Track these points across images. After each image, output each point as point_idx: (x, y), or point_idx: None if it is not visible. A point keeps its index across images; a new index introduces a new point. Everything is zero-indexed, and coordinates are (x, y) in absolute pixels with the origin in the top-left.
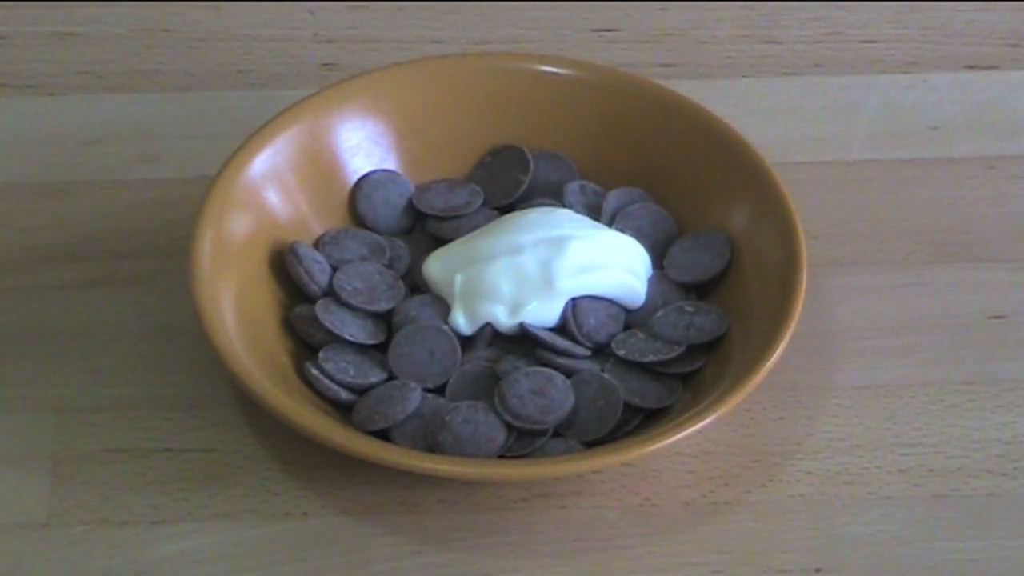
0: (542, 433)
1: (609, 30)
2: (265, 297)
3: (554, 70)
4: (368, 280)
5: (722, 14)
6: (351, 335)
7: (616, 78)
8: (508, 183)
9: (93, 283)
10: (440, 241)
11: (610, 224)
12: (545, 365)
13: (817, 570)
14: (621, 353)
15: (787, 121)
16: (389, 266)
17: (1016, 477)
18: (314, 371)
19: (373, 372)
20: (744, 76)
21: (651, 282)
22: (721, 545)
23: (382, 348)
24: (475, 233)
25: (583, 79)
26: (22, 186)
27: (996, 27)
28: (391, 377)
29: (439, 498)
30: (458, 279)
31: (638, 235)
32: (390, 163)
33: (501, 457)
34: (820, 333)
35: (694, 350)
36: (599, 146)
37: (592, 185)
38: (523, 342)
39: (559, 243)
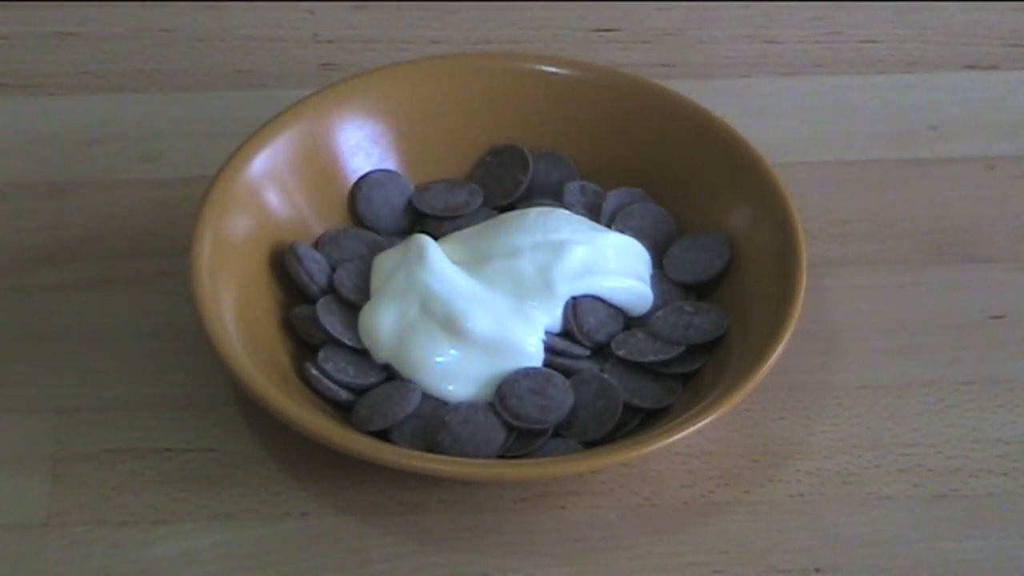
0: (542, 433)
1: (608, 30)
2: (265, 297)
3: (554, 70)
4: (368, 278)
5: (722, 14)
6: (350, 340)
7: (616, 78)
8: (508, 183)
9: (93, 283)
10: None
11: (610, 224)
12: (545, 365)
13: (817, 570)
14: (621, 353)
15: (787, 121)
16: None
17: (1016, 477)
18: (314, 371)
19: (373, 372)
20: (744, 76)
21: (651, 282)
22: (721, 545)
23: None
24: (470, 231)
25: (583, 79)
26: (22, 186)
27: (996, 27)
28: (391, 377)
29: (439, 498)
30: None
31: (638, 235)
32: (390, 163)
33: (501, 457)
34: (820, 333)
35: (694, 350)
36: (599, 146)
37: (592, 185)
38: None
39: (558, 248)
